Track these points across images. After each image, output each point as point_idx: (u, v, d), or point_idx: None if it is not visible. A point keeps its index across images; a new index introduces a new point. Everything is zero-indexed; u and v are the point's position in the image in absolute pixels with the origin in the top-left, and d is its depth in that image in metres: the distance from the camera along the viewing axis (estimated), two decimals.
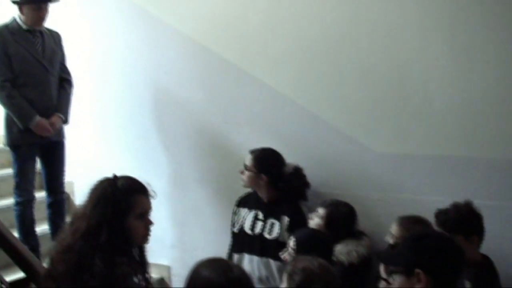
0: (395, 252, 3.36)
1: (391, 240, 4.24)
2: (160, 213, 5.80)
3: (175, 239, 6.05)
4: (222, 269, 2.65)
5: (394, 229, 4.30)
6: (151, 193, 3.31)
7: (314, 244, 3.91)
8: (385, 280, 3.28)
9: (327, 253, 4.02)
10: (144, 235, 3.24)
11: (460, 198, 4.42)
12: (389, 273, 3.19)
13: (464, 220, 3.97)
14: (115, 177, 3.27)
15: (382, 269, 3.43)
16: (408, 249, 3.00)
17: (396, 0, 4.79)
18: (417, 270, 2.86)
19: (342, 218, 4.67)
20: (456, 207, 4.05)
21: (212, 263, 2.72)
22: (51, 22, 5.82)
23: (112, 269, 3.00)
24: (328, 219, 4.63)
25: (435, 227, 4.10)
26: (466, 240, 3.94)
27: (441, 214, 4.08)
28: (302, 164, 5.00)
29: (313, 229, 4.51)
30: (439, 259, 2.86)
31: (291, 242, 4.13)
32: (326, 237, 4.15)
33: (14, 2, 5.61)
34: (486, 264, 4.08)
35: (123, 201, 3.15)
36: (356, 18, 4.96)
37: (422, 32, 4.68)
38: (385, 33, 4.84)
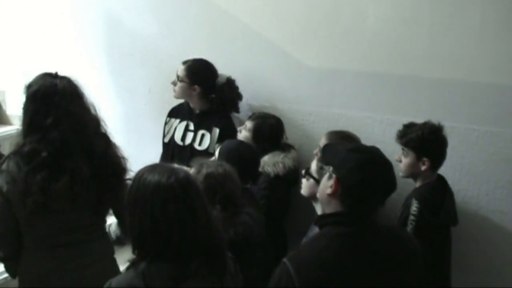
0: None
1: (319, 154, 4.29)
2: None
3: None
4: (168, 171, 2.62)
5: (322, 143, 4.33)
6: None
7: (237, 156, 3.91)
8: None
9: (252, 164, 4.03)
10: None
11: (387, 115, 4.51)
12: None
13: (420, 140, 4.02)
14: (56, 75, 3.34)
15: None
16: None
17: None
18: None
19: (269, 130, 4.71)
20: (422, 125, 4.08)
21: (156, 168, 2.67)
22: None
23: None
24: (255, 132, 4.67)
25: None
26: (417, 160, 4.03)
27: (404, 127, 4.12)
28: (233, 75, 4.98)
29: (239, 141, 4.52)
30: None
31: (216, 153, 4.14)
32: (251, 148, 4.15)
33: None
34: (437, 184, 4.16)
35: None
36: None
37: None
38: None
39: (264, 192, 4.45)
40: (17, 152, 3.22)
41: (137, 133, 5.85)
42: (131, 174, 3.31)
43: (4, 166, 3.23)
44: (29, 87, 3.28)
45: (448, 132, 4.11)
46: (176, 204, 2.55)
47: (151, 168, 2.68)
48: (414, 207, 3.93)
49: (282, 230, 4.68)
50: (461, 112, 4.49)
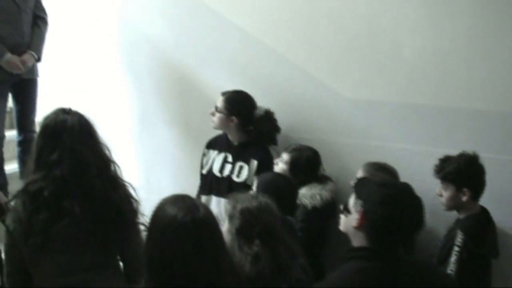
0: None
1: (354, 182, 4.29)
2: (128, 154, 5.90)
3: (143, 180, 6.04)
4: (188, 208, 2.63)
5: (360, 175, 4.35)
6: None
7: (275, 189, 3.90)
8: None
9: (290, 196, 4.03)
10: None
11: (425, 146, 4.49)
12: None
13: (457, 172, 4.02)
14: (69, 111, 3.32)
15: None
16: None
17: None
18: None
19: (306, 162, 4.70)
20: (458, 157, 4.09)
21: (178, 201, 2.68)
22: None
23: None
24: (292, 164, 4.67)
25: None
26: (457, 192, 4.03)
27: (441, 161, 4.13)
28: (272, 107, 5.00)
29: (276, 173, 4.51)
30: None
31: (254, 185, 4.15)
32: (289, 181, 4.14)
33: None
34: (481, 216, 4.15)
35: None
36: None
37: None
38: None
39: (302, 225, 4.44)
40: (25, 190, 3.20)
41: (174, 164, 5.89)
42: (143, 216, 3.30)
43: (13, 205, 3.23)
44: (43, 121, 3.29)
45: (486, 164, 4.09)
46: (184, 242, 2.58)
47: (174, 200, 2.70)
48: (459, 238, 3.92)
49: (320, 262, 4.65)
50: (499, 143, 4.47)
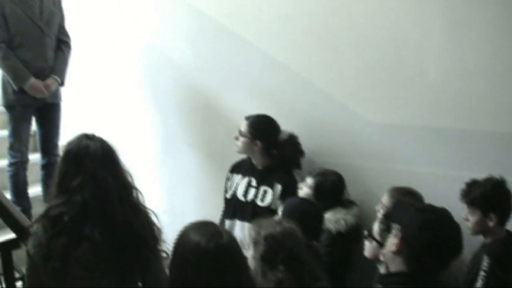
0: None
1: (381, 210, 4.26)
2: (151, 177, 5.91)
3: (166, 204, 6.05)
4: (211, 234, 2.65)
5: (385, 199, 4.33)
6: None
7: (301, 214, 3.89)
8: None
9: (315, 222, 4.03)
10: None
11: (451, 170, 4.45)
12: None
13: (483, 197, 3.98)
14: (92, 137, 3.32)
15: None
16: None
17: None
18: None
19: (330, 187, 4.68)
20: (484, 181, 4.04)
21: (202, 228, 2.70)
22: None
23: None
24: (316, 189, 4.65)
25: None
26: (484, 217, 3.99)
27: (467, 186, 4.09)
28: (295, 131, 4.99)
29: (301, 199, 4.49)
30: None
31: (279, 210, 4.13)
32: (314, 206, 4.13)
33: None
34: (507, 241, 4.08)
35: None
36: None
37: (418, 3, 4.63)
38: (381, 3, 4.78)
39: (326, 249, 4.40)
40: (45, 215, 3.20)
41: (197, 188, 5.90)
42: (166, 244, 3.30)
43: (34, 229, 3.22)
44: (66, 146, 3.29)
45: None
46: (208, 268, 2.58)
47: (198, 226, 2.72)
48: (485, 263, 3.87)
49: (344, 287, 4.62)
50: None
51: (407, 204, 3.05)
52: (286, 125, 5.02)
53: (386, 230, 3.07)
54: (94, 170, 3.18)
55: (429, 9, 4.58)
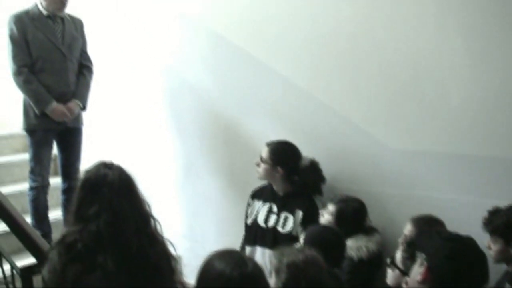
0: None
1: (403, 241, 4.24)
2: (172, 202, 5.91)
3: (186, 228, 6.05)
4: (236, 263, 2.65)
5: (408, 229, 4.29)
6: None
7: (323, 241, 3.89)
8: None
9: (337, 249, 4.02)
10: None
11: (473, 197, 4.42)
12: None
13: (506, 226, 3.92)
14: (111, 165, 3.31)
15: None
16: None
17: None
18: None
19: (352, 214, 4.65)
20: (507, 210, 3.99)
21: (226, 256, 2.71)
22: (72, 8, 5.82)
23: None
24: (338, 216, 4.62)
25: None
26: (507, 245, 3.93)
27: (489, 214, 4.04)
28: (317, 157, 4.98)
29: (323, 226, 4.48)
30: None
31: (301, 239, 4.13)
32: (336, 233, 4.12)
33: None
34: None
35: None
36: (372, 11, 4.91)
37: (439, 29, 4.62)
38: (402, 28, 4.78)
39: (348, 277, 4.38)
40: (61, 241, 3.19)
41: (218, 214, 5.89)
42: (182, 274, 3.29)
43: (50, 255, 3.21)
44: (84, 174, 3.29)
45: None
46: None
47: (222, 255, 2.72)
48: None
49: None
50: None
51: (432, 233, 3.04)
52: (307, 151, 5.01)
53: (409, 258, 3.04)
54: (111, 199, 3.17)
55: (451, 36, 4.57)
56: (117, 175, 3.24)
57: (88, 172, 3.27)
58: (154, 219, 3.36)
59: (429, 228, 4.05)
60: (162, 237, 3.38)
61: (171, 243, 3.42)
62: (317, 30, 5.19)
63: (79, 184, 3.28)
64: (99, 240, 3.12)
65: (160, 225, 3.38)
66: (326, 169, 4.99)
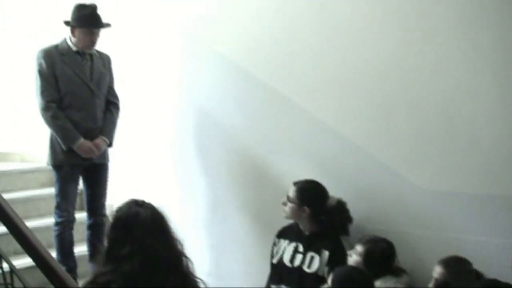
0: None
1: (433, 283, 4.19)
2: (197, 239, 5.88)
3: (212, 266, 6.00)
4: None
5: (437, 271, 4.24)
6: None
7: (352, 283, 3.86)
8: None
9: None
10: None
11: (503, 239, 4.37)
12: None
13: None
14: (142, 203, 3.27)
15: None
16: None
17: (445, 34, 4.71)
18: None
19: (380, 255, 4.59)
20: None
21: None
22: (101, 44, 5.86)
23: None
24: (366, 256, 4.55)
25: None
26: None
27: None
28: (344, 197, 4.95)
29: (351, 267, 4.44)
30: None
31: (329, 280, 4.09)
32: (364, 275, 4.08)
33: (66, 24, 5.68)
34: None
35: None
36: (403, 49, 4.90)
37: (472, 69, 4.59)
38: (433, 67, 4.76)
39: None
40: (93, 282, 3.15)
41: (244, 252, 5.84)
42: None
43: None
44: (116, 212, 3.25)
45: None
46: None
47: None
48: None
49: None
50: None
51: (469, 278, 3.00)
52: (335, 191, 4.98)
53: None
54: (144, 239, 3.12)
55: (482, 76, 4.55)
56: (149, 214, 3.21)
57: (119, 210, 3.24)
58: (186, 257, 3.31)
59: (459, 270, 4.01)
60: (194, 276, 3.34)
61: (203, 282, 3.38)
62: (346, 68, 5.18)
63: (110, 223, 3.25)
64: (133, 280, 3.08)
65: (192, 264, 3.34)
66: (354, 208, 4.95)
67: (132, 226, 3.15)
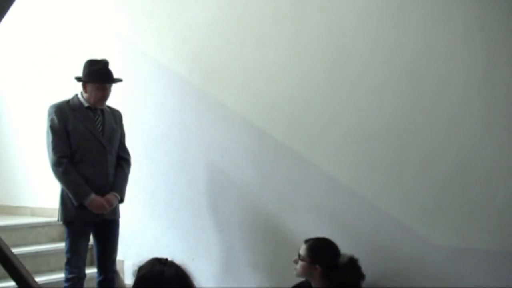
0: None
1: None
2: None
3: None
4: None
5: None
6: None
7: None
8: None
9: None
10: None
11: None
12: None
13: None
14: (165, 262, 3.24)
15: None
16: None
17: (457, 87, 4.73)
18: None
19: None
20: None
21: None
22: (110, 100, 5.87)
23: None
24: None
25: None
26: None
27: None
28: (358, 254, 4.89)
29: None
30: None
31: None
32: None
33: (78, 80, 5.70)
34: None
35: None
36: (416, 103, 4.91)
37: (485, 121, 4.60)
38: (446, 121, 4.77)
39: None
40: None
41: None
42: None
43: None
44: (138, 271, 3.21)
45: None
46: None
47: None
48: None
49: None
50: None
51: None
52: (348, 248, 4.93)
53: None
54: None
55: (496, 127, 4.56)
56: (173, 272, 3.17)
57: (142, 269, 3.21)
58: None
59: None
60: None
61: None
62: (360, 123, 5.19)
63: (134, 281, 3.21)
64: None
65: None
66: (369, 266, 4.89)
67: (157, 285, 3.12)
